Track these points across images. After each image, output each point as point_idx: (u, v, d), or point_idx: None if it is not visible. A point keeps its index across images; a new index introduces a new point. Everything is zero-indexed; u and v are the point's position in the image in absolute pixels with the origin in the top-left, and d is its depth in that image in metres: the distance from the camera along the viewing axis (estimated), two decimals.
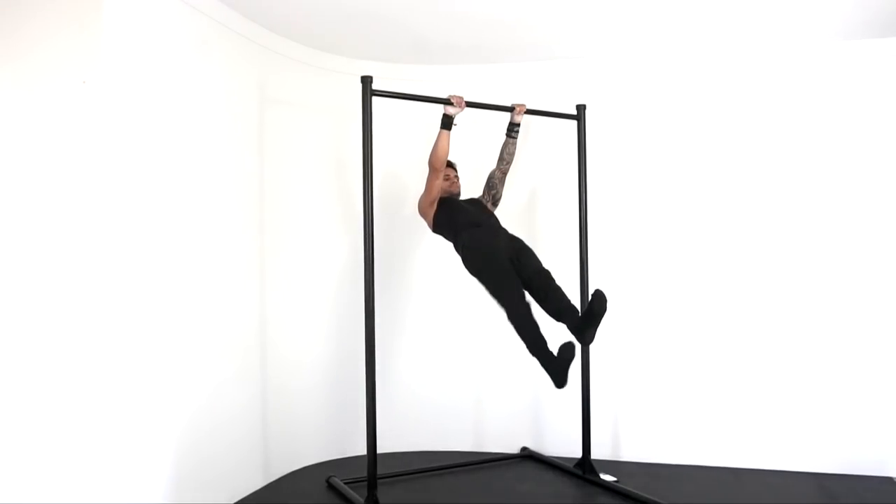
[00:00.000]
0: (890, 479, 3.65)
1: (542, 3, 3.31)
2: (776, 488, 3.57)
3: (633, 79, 4.08)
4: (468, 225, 3.37)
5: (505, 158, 3.57)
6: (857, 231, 3.76)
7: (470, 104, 3.32)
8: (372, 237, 3.15)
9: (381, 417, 3.30)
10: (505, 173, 3.61)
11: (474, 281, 3.33)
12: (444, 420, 4.26)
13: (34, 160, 2.55)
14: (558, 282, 3.21)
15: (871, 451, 3.71)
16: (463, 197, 3.61)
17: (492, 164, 3.65)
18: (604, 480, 3.58)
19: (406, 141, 4.14)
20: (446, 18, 3.50)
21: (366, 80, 3.16)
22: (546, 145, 4.16)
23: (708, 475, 3.75)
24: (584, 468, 3.68)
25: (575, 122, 3.74)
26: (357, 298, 3.48)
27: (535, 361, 3.17)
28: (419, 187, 3.50)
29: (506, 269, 3.20)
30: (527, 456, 4.09)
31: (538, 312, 3.18)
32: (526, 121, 3.61)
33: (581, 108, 3.73)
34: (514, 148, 3.56)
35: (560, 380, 3.09)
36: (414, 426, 4.25)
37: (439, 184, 3.39)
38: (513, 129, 3.54)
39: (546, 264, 3.29)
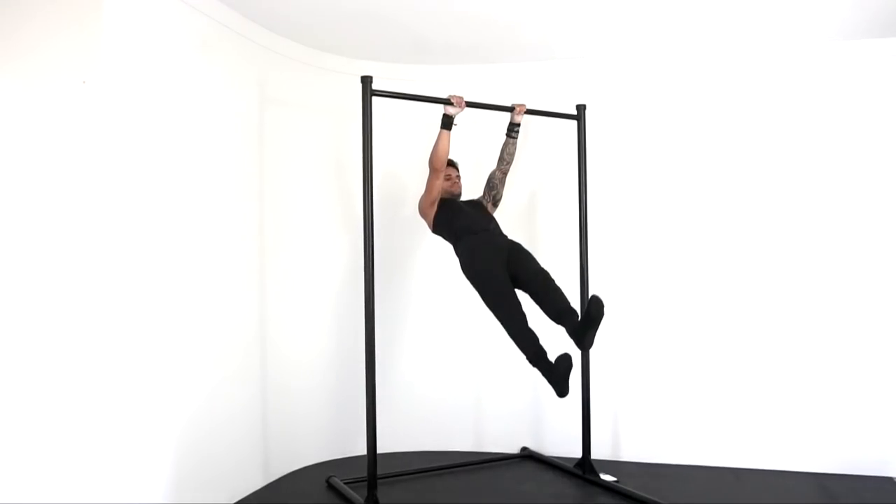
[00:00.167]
0: (890, 479, 3.65)
1: (541, 3, 3.31)
2: (776, 488, 3.56)
3: (633, 79, 4.08)
4: (467, 231, 3.37)
5: (505, 159, 3.57)
6: (857, 231, 3.76)
7: (470, 104, 3.32)
8: (372, 237, 3.15)
9: (381, 417, 3.30)
10: (505, 173, 3.61)
11: None
12: (445, 420, 4.26)
13: (34, 160, 2.55)
14: (558, 283, 3.22)
15: (872, 451, 3.71)
16: (463, 198, 3.61)
17: (492, 165, 3.65)
18: (604, 480, 3.57)
19: (406, 141, 4.14)
20: (446, 18, 3.50)
21: (366, 80, 3.16)
22: (546, 145, 4.16)
23: (708, 475, 3.75)
24: (584, 468, 3.68)
25: (575, 122, 3.74)
26: (357, 298, 3.48)
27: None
28: (419, 187, 3.50)
29: (503, 281, 3.22)
30: (527, 456, 4.09)
31: (539, 315, 3.19)
32: (526, 121, 3.61)
33: (581, 108, 3.73)
34: (515, 148, 3.56)
35: (561, 389, 3.12)
36: (414, 426, 4.25)
37: (439, 184, 3.39)
38: (513, 129, 3.54)
39: (546, 265, 3.29)
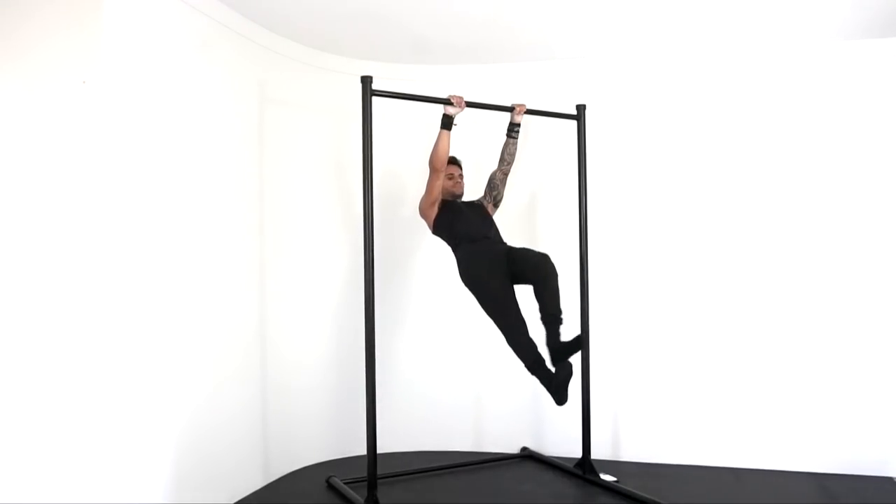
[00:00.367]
0: (890, 479, 3.65)
1: (541, 3, 3.31)
2: (776, 488, 3.56)
3: (633, 79, 4.08)
4: (466, 239, 3.38)
5: (506, 159, 3.57)
6: (858, 231, 3.76)
7: (470, 104, 3.32)
8: (372, 237, 3.15)
9: (381, 417, 3.30)
10: (506, 174, 3.61)
11: None
12: (445, 420, 4.26)
13: (34, 160, 2.55)
14: (558, 280, 3.21)
15: (872, 451, 3.71)
16: (464, 198, 3.60)
17: (492, 165, 3.65)
18: (604, 480, 3.57)
19: (406, 141, 4.14)
20: (446, 18, 3.50)
21: (366, 80, 3.16)
22: (546, 145, 4.16)
23: (708, 475, 3.75)
24: (584, 468, 3.68)
25: (575, 122, 3.74)
26: (357, 298, 3.48)
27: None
28: (419, 187, 3.50)
29: (502, 289, 3.23)
30: (527, 456, 4.09)
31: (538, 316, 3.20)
32: (526, 121, 3.61)
33: (581, 108, 3.73)
34: (515, 148, 3.56)
35: (561, 397, 3.12)
36: (414, 426, 4.25)
37: (440, 184, 3.39)
38: (513, 129, 3.54)
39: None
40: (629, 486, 3.45)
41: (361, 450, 3.68)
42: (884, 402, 3.71)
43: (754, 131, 3.91)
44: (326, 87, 4.00)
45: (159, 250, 2.86)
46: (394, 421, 4.13)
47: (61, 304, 2.52)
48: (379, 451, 3.22)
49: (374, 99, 3.16)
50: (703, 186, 3.98)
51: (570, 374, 3.09)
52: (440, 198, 3.45)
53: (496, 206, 3.65)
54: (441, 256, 3.78)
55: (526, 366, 3.19)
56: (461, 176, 3.56)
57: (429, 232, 3.56)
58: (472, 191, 3.67)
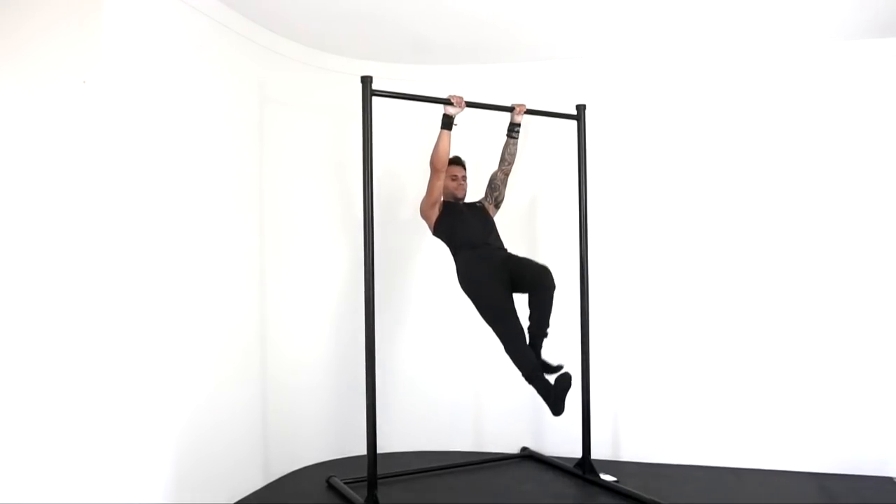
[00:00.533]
0: (890, 479, 3.65)
1: (542, 4, 3.31)
2: (776, 488, 3.56)
3: (633, 79, 4.08)
4: (466, 245, 3.37)
5: (506, 159, 3.57)
6: (858, 231, 3.76)
7: (470, 104, 3.32)
8: (372, 237, 3.15)
9: (381, 417, 3.30)
10: (507, 174, 3.60)
11: None
12: (445, 420, 4.26)
13: (34, 160, 2.55)
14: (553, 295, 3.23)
15: (871, 451, 3.71)
16: (466, 199, 3.59)
17: (492, 165, 3.65)
18: (604, 480, 3.57)
19: (406, 141, 4.14)
20: (446, 18, 3.50)
21: (366, 80, 3.16)
22: (546, 146, 4.16)
23: (708, 475, 3.75)
24: (584, 468, 3.68)
25: (575, 122, 3.74)
26: (357, 298, 3.49)
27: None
28: (419, 187, 3.50)
29: (501, 296, 3.22)
30: (527, 456, 4.09)
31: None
32: (526, 121, 3.60)
33: (581, 108, 3.73)
34: (515, 148, 3.56)
35: (557, 408, 3.12)
36: (414, 426, 4.25)
37: (441, 185, 3.39)
38: (513, 129, 3.54)
39: (546, 266, 3.27)
40: (629, 486, 3.45)
41: (361, 450, 3.69)
42: (884, 402, 3.70)
43: (754, 131, 3.91)
44: (326, 87, 4.00)
45: (159, 250, 2.86)
46: (394, 421, 4.14)
47: (61, 304, 2.52)
48: (379, 451, 3.22)
49: (374, 99, 3.16)
50: (703, 187, 3.98)
51: (568, 385, 3.10)
52: (441, 199, 3.45)
53: (497, 206, 3.64)
54: (441, 257, 3.78)
55: (524, 375, 3.19)
56: (464, 178, 3.53)
57: (429, 232, 3.56)
58: (473, 191, 3.67)
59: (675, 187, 4.02)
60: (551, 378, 3.12)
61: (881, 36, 3.69)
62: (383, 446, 3.83)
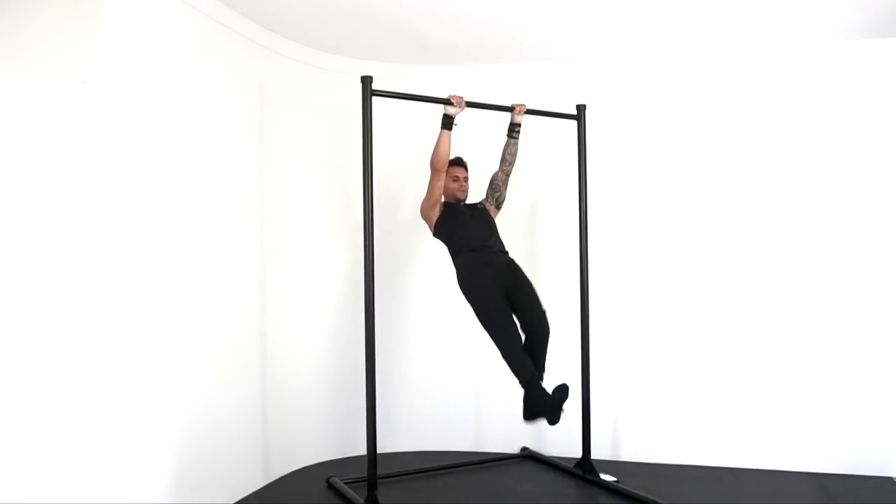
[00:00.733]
0: (890, 479, 3.65)
1: (541, 4, 3.31)
2: (776, 488, 3.56)
3: (633, 79, 4.08)
4: (466, 248, 3.37)
5: (507, 159, 3.56)
6: (858, 231, 3.76)
7: (470, 104, 3.32)
8: (372, 237, 3.15)
9: (381, 417, 3.30)
10: (508, 174, 3.60)
11: None
12: (445, 420, 4.26)
13: (34, 160, 2.55)
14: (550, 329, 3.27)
15: (871, 451, 3.71)
16: (468, 200, 3.59)
17: (493, 165, 3.65)
18: (604, 480, 3.57)
19: (406, 141, 4.14)
20: (446, 18, 3.50)
21: (366, 80, 3.16)
22: (546, 146, 4.16)
23: (708, 475, 3.75)
24: (584, 468, 3.68)
25: (575, 122, 3.74)
26: (357, 298, 3.48)
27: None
28: (419, 187, 3.50)
29: (499, 303, 3.22)
30: (527, 456, 4.09)
31: None
32: (526, 121, 3.60)
33: (581, 108, 3.73)
34: (516, 148, 3.55)
35: (553, 418, 3.13)
36: (414, 426, 4.25)
37: (441, 185, 3.39)
38: (513, 129, 3.54)
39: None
40: (629, 486, 3.45)
41: (361, 450, 3.69)
42: (884, 402, 3.70)
43: (755, 131, 3.91)
44: (326, 87, 4.00)
45: (159, 250, 2.86)
46: (394, 421, 4.14)
47: (61, 304, 2.52)
48: (379, 451, 3.22)
49: (374, 99, 3.16)
50: (703, 187, 3.98)
51: (566, 396, 3.11)
52: (441, 199, 3.45)
53: (498, 207, 3.64)
54: (441, 257, 3.77)
55: (521, 383, 3.19)
56: (466, 179, 3.52)
57: (429, 233, 3.56)
58: (473, 192, 3.66)
59: (675, 187, 4.02)
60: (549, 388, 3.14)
61: (881, 36, 3.69)
62: (383, 446, 3.83)
